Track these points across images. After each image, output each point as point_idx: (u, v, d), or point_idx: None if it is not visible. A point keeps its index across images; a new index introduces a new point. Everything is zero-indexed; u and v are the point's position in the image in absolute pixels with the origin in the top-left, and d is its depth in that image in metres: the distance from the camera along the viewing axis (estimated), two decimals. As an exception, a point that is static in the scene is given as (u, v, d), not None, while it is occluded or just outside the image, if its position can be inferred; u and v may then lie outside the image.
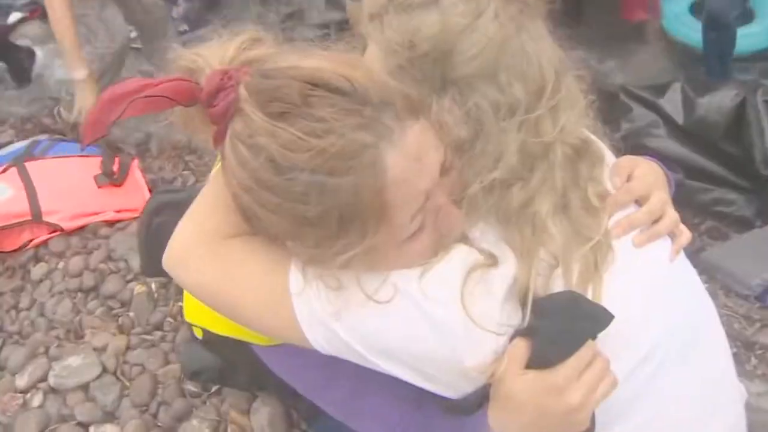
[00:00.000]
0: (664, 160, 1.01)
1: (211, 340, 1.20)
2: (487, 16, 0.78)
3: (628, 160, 0.94)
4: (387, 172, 0.71)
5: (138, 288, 1.88)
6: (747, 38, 2.67)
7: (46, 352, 1.73)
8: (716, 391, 0.91)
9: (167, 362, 1.67)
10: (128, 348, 1.72)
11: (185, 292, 1.17)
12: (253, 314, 0.88)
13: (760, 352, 1.74)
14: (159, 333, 1.77)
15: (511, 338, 0.78)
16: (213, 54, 0.79)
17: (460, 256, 0.79)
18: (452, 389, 0.82)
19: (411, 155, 0.73)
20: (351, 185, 0.71)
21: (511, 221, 0.80)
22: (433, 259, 0.79)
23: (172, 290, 1.86)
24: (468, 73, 0.78)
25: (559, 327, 0.77)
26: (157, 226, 1.54)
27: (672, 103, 2.32)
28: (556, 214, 0.81)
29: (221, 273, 0.88)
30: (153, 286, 1.88)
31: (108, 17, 2.46)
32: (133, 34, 2.82)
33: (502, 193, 0.79)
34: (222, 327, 1.06)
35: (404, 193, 0.73)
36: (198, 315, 1.13)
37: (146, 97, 0.76)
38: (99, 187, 2.11)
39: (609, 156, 0.93)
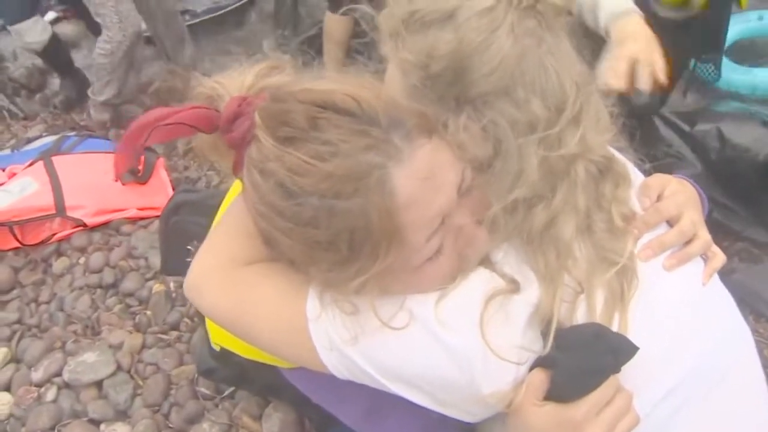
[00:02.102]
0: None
1: (225, 356, 1.19)
2: (503, 31, 0.75)
3: (658, 178, 0.90)
4: (396, 192, 0.70)
5: (156, 287, 1.89)
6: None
7: (63, 346, 1.74)
8: (749, 428, 0.86)
9: (181, 363, 1.67)
10: (143, 347, 1.72)
11: None
12: (269, 339, 0.86)
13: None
14: (175, 333, 1.77)
15: (531, 367, 0.75)
16: (232, 82, 0.80)
17: (479, 282, 0.76)
18: (469, 415, 0.80)
19: (421, 175, 0.71)
20: (359, 208, 0.69)
21: (534, 243, 0.76)
22: (450, 285, 0.76)
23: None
24: (484, 90, 0.75)
25: (581, 361, 0.74)
26: (174, 225, 1.54)
27: (703, 132, 2.26)
28: (580, 237, 0.77)
29: (238, 298, 0.87)
30: (171, 285, 1.88)
31: (123, 11, 2.48)
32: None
33: (525, 214, 0.76)
34: (246, 350, 1.04)
35: (416, 214, 0.71)
36: (223, 337, 1.12)
37: (168, 125, 0.78)
38: (123, 184, 2.11)
39: (635, 175, 0.89)
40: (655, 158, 2.16)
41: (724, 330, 0.86)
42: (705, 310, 0.85)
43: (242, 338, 0.91)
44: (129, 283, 1.91)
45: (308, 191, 0.70)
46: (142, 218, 2.12)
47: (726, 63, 2.57)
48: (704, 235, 0.86)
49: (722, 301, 0.88)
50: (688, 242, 0.85)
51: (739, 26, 2.74)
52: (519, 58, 0.74)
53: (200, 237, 1.37)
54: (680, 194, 0.88)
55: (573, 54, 0.79)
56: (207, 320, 1.18)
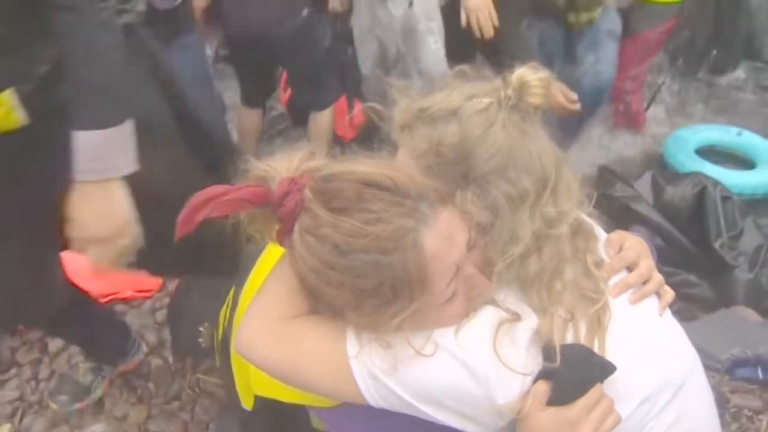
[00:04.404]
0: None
1: (256, 414, 1.32)
2: (497, 126, 0.97)
3: (618, 234, 1.13)
4: (426, 249, 0.89)
5: (155, 361, 1.99)
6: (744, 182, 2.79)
7: (68, 421, 1.82)
8: (704, 419, 1.06)
9: (187, 430, 1.77)
10: (149, 417, 1.82)
11: (240, 368, 1.30)
12: (317, 380, 1.01)
13: (734, 410, 1.93)
14: (177, 403, 1.87)
15: (535, 380, 0.93)
16: (281, 165, 0.97)
17: (488, 314, 0.95)
18: (488, 427, 0.96)
19: (443, 235, 0.91)
20: (399, 261, 0.88)
21: (530, 286, 0.97)
22: (464, 319, 0.95)
23: (188, 363, 1.98)
24: (484, 171, 0.97)
25: (575, 373, 0.92)
26: (186, 308, 1.68)
27: (643, 187, 2.62)
28: (565, 280, 0.98)
29: (289, 350, 1.02)
30: (170, 359, 2.00)
31: None
32: None
33: (521, 264, 0.97)
34: (289, 395, 1.18)
35: (440, 264, 0.91)
36: (266, 387, 1.24)
37: (229, 200, 0.93)
38: (119, 266, 2.22)
39: (600, 232, 1.11)
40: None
41: (679, 348, 1.07)
42: (664, 334, 1.06)
43: (292, 383, 1.05)
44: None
45: (359, 250, 0.88)
46: (135, 298, 2.24)
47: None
48: (658, 277, 1.08)
49: (674, 327, 1.09)
50: (645, 282, 1.06)
51: (716, 134, 3.13)
52: (510, 146, 0.96)
53: (210, 319, 1.50)
54: (637, 246, 1.10)
55: (548, 138, 1.02)
56: (240, 379, 1.30)
